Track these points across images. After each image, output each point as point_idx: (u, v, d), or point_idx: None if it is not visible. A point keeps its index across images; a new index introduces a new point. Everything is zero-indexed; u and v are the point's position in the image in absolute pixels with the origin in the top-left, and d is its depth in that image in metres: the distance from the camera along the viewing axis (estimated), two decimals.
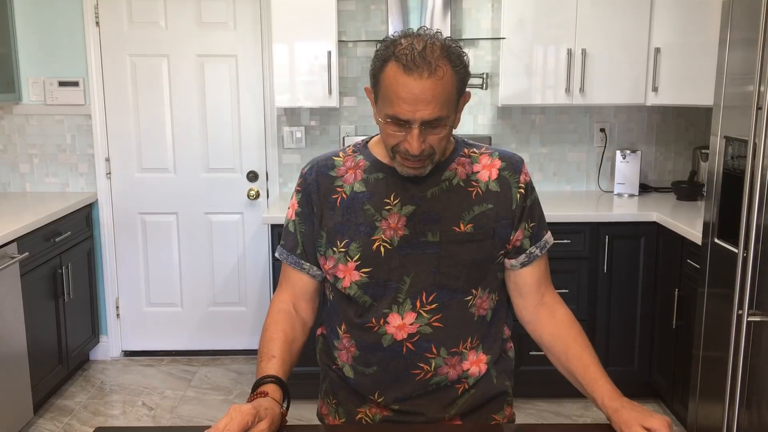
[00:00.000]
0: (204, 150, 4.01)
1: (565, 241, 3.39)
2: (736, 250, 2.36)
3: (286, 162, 4.03)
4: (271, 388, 1.37)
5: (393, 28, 3.75)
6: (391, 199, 1.48)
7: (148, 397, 3.69)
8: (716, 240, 2.58)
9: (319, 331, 1.67)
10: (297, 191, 1.56)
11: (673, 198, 3.79)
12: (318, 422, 1.68)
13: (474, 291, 1.50)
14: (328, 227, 1.50)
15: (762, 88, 2.24)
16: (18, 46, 3.86)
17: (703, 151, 3.78)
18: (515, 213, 1.50)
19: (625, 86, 3.59)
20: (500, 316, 1.59)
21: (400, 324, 1.48)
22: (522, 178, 1.52)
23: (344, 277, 1.50)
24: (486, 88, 3.90)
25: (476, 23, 3.87)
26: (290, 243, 1.56)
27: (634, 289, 3.49)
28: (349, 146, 1.59)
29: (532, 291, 1.56)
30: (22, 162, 4.00)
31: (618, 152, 3.88)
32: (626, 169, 3.86)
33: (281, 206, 3.68)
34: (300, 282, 1.57)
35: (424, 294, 1.47)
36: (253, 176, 4.04)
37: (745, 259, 2.31)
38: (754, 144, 2.26)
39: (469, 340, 1.52)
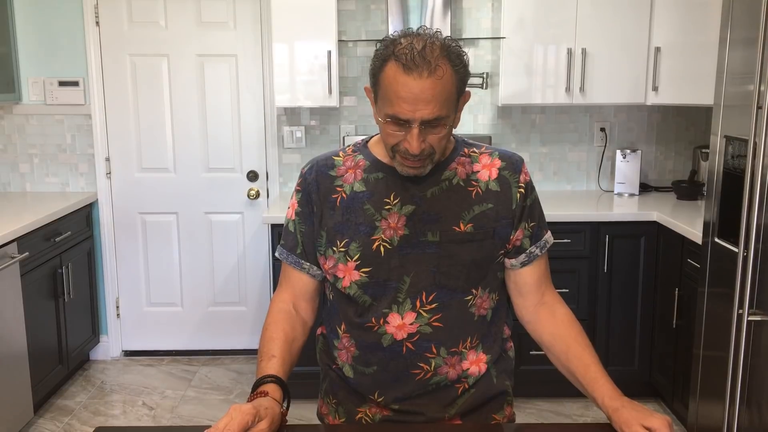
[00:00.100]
0: (204, 150, 4.01)
1: (565, 240, 3.39)
2: (736, 250, 2.36)
3: (286, 162, 4.03)
4: (272, 388, 1.37)
5: (393, 28, 3.75)
6: (391, 198, 1.48)
7: (148, 396, 3.69)
8: (716, 239, 2.58)
9: (319, 331, 1.67)
10: (297, 191, 1.56)
11: (674, 197, 3.79)
12: (318, 422, 1.68)
13: (474, 291, 1.50)
14: (328, 227, 1.50)
15: (762, 88, 2.23)
16: (18, 46, 3.86)
17: (704, 150, 3.78)
18: (515, 212, 1.50)
19: (626, 86, 3.59)
20: (500, 316, 1.59)
21: (399, 324, 1.48)
22: (522, 177, 1.52)
23: (344, 277, 1.50)
24: (486, 88, 3.90)
25: (476, 23, 3.87)
26: (290, 243, 1.56)
27: (635, 288, 3.49)
28: (349, 146, 1.58)
29: (532, 291, 1.56)
30: (22, 162, 4.00)
31: (618, 152, 3.88)
32: (626, 169, 3.86)
33: (281, 206, 3.68)
34: (300, 282, 1.57)
35: (424, 294, 1.47)
36: (253, 176, 4.04)
37: (745, 259, 2.31)
38: (755, 143, 2.26)
39: (469, 340, 1.51)
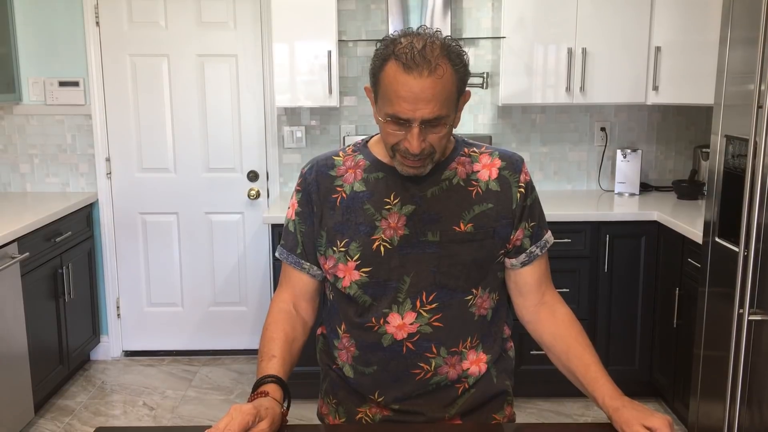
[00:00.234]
0: (204, 150, 4.01)
1: (565, 240, 3.39)
2: (736, 249, 2.36)
3: (286, 162, 4.03)
4: (272, 388, 1.37)
5: (393, 28, 3.75)
6: (391, 198, 1.48)
7: (148, 397, 3.69)
8: (717, 239, 2.58)
9: (319, 331, 1.66)
10: (297, 191, 1.56)
11: (674, 197, 3.79)
12: (318, 422, 1.68)
13: (474, 290, 1.50)
14: (328, 227, 1.50)
15: (762, 87, 2.23)
16: (18, 46, 3.86)
17: (704, 150, 3.78)
18: (515, 212, 1.50)
19: (626, 85, 3.59)
20: (500, 316, 1.58)
21: (400, 324, 1.48)
22: (522, 177, 1.52)
23: (344, 277, 1.49)
24: (486, 88, 3.90)
25: (476, 22, 3.87)
26: (290, 243, 1.56)
27: (635, 288, 3.48)
28: (349, 146, 1.58)
29: (533, 290, 1.56)
30: (23, 162, 4.01)
31: (618, 151, 3.88)
32: (627, 168, 3.86)
33: (282, 206, 3.68)
34: (300, 282, 1.57)
35: (424, 294, 1.47)
36: (253, 176, 4.04)
37: (745, 258, 2.31)
38: (755, 143, 2.26)
39: (469, 340, 1.51)
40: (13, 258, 3.07)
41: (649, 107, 3.95)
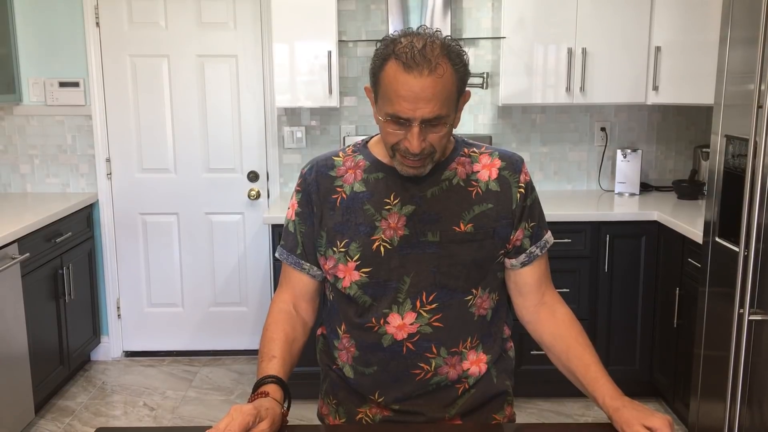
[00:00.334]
0: (204, 150, 4.01)
1: (566, 240, 3.39)
2: (737, 249, 2.35)
3: (286, 162, 4.03)
4: (272, 389, 1.37)
5: (393, 28, 3.75)
6: (391, 198, 1.48)
7: (149, 397, 3.70)
8: (717, 239, 2.58)
9: (319, 331, 1.66)
10: (297, 191, 1.56)
11: (674, 197, 3.79)
12: (318, 422, 1.68)
13: (474, 291, 1.50)
14: (328, 227, 1.50)
15: (762, 87, 2.23)
16: (18, 47, 3.86)
17: (704, 149, 3.78)
18: (515, 212, 1.50)
19: (626, 85, 3.59)
20: (500, 316, 1.58)
21: (400, 324, 1.48)
22: (522, 177, 1.52)
23: (344, 277, 1.49)
24: (486, 88, 3.90)
25: (476, 22, 3.87)
26: (290, 243, 1.56)
27: (635, 288, 3.48)
28: (348, 146, 1.58)
29: (533, 290, 1.56)
30: (23, 163, 4.01)
31: (619, 151, 3.88)
32: (627, 168, 3.86)
33: (282, 206, 3.68)
34: (300, 282, 1.57)
35: (424, 294, 1.47)
36: (253, 176, 4.04)
37: (746, 258, 2.31)
38: (755, 143, 2.26)
39: (469, 340, 1.51)
40: (14, 258, 3.07)
41: (649, 107, 3.95)
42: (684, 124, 4.01)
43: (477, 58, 3.88)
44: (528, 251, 1.53)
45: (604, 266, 3.45)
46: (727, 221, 2.51)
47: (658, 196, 3.83)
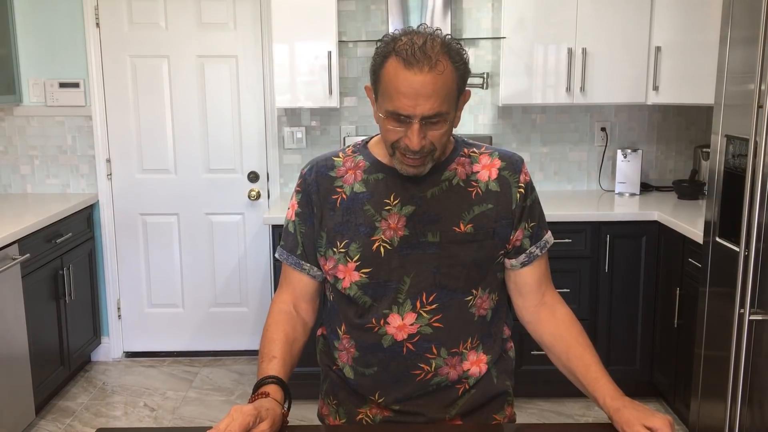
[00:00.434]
0: (205, 151, 4.01)
1: (566, 240, 3.39)
2: (737, 249, 2.35)
3: (286, 162, 4.03)
4: (273, 389, 1.37)
5: (393, 28, 3.75)
6: (391, 199, 1.48)
7: (149, 398, 3.70)
8: (717, 239, 2.58)
9: (319, 332, 1.66)
10: (297, 192, 1.56)
11: (674, 197, 3.79)
12: (319, 423, 1.68)
13: (474, 291, 1.49)
14: (328, 228, 1.50)
15: (762, 87, 2.23)
16: (18, 48, 3.86)
17: (704, 149, 3.78)
18: (515, 213, 1.50)
19: (626, 85, 3.59)
20: (500, 316, 1.58)
21: (400, 324, 1.47)
22: (522, 177, 1.52)
23: (344, 278, 1.49)
24: (486, 88, 3.90)
25: (476, 23, 3.87)
26: (290, 243, 1.56)
27: (636, 288, 3.48)
28: (348, 146, 1.58)
29: (533, 291, 1.56)
30: (23, 163, 4.01)
31: (619, 151, 3.88)
32: (627, 168, 3.86)
33: (282, 207, 3.68)
34: (300, 283, 1.57)
35: (424, 294, 1.47)
36: (253, 177, 4.04)
37: (746, 258, 2.31)
38: (755, 143, 2.26)
39: (470, 341, 1.51)
40: (14, 259, 3.07)
41: (650, 107, 3.94)
42: (684, 124, 4.01)
43: (477, 59, 3.88)
44: (528, 251, 1.53)
45: (604, 266, 3.45)
46: (728, 221, 2.51)
47: (658, 196, 3.83)
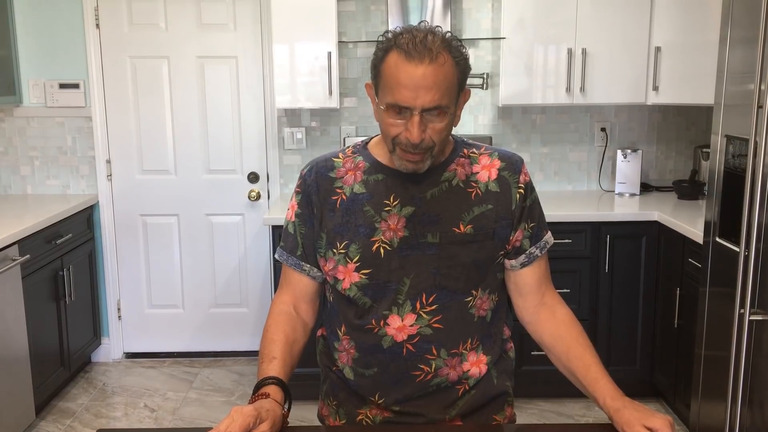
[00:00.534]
0: (205, 151, 4.01)
1: (566, 240, 3.39)
2: (737, 249, 2.35)
3: (286, 163, 4.03)
4: (273, 390, 1.37)
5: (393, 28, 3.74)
6: (391, 200, 1.48)
7: (150, 398, 3.70)
8: (717, 239, 2.58)
9: (319, 333, 1.66)
10: (296, 192, 1.56)
11: (675, 197, 3.79)
12: (319, 423, 1.68)
13: (474, 292, 1.49)
14: (328, 229, 1.50)
15: (762, 87, 2.23)
16: (18, 49, 3.86)
17: (704, 150, 3.78)
18: (515, 213, 1.50)
19: (626, 85, 3.59)
20: (500, 317, 1.58)
21: (400, 325, 1.47)
22: (522, 178, 1.52)
23: (344, 279, 1.49)
24: (486, 88, 3.90)
25: (476, 23, 3.87)
26: (290, 244, 1.56)
27: (636, 288, 3.48)
28: (348, 147, 1.58)
29: (533, 291, 1.56)
30: (23, 164, 4.01)
31: (619, 151, 3.88)
32: (627, 169, 3.86)
33: (282, 207, 3.68)
34: (300, 283, 1.57)
35: (424, 295, 1.46)
36: (253, 177, 4.04)
37: (746, 258, 2.31)
38: (755, 143, 2.26)
39: (469, 341, 1.51)
40: (14, 260, 3.07)
41: (650, 107, 3.94)
42: (684, 125, 4.01)
43: (477, 59, 3.88)
44: (528, 252, 1.53)
45: (604, 266, 3.45)
46: (728, 221, 2.51)
47: (658, 197, 3.83)
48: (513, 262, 1.53)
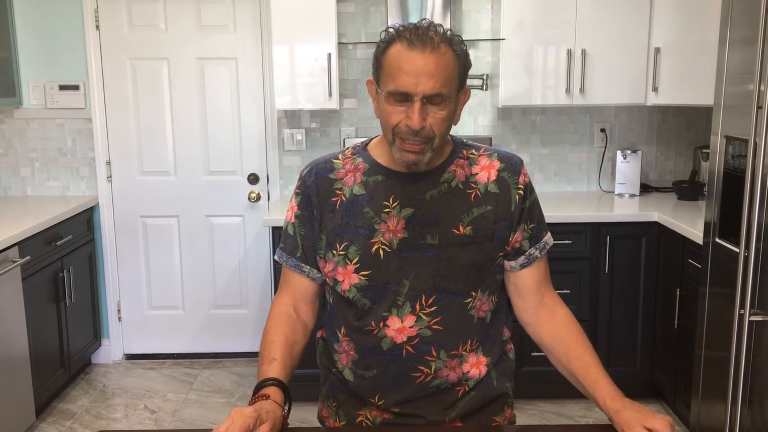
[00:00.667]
0: (204, 153, 4.01)
1: (566, 241, 3.39)
2: (737, 250, 2.35)
3: (286, 164, 4.03)
4: (273, 391, 1.37)
5: None
6: (390, 201, 1.48)
7: (150, 400, 3.69)
8: (717, 239, 2.58)
9: (319, 334, 1.66)
10: (296, 194, 1.56)
11: (674, 198, 3.79)
12: (319, 425, 1.68)
13: (473, 293, 1.49)
14: (328, 230, 1.50)
15: (762, 87, 2.23)
16: (18, 50, 3.86)
17: (704, 150, 3.78)
18: (514, 214, 1.50)
19: (625, 86, 3.59)
20: (500, 318, 1.58)
21: (399, 327, 1.47)
22: (521, 179, 1.52)
23: (343, 280, 1.49)
24: (486, 89, 3.91)
25: (476, 24, 3.87)
26: (290, 246, 1.56)
27: (636, 289, 3.48)
28: (348, 148, 1.58)
29: (532, 292, 1.55)
30: (23, 166, 4.01)
31: (618, 152, 3.88)
32: (627, 169, 3.86)
33: (282, 208, 3.68)
34: (300, 285, 1.57)
35: (424, 297, 1.46)
36: (253, 179, 4.04)
37: (746, 259, 2.31)
38: (755, 143, 2.26)
39: (469, 343, 1.51)
40: (14, 262, 3.07)
41: (649, 108, 3.95)
42: (684, 125, 4.01)
43: (477, 60, 3.87)
44: (527, 253, 1.53)
45: (604, 267, 3.45)
46: (728, 222, 2.51)
47: (658, 197, 3.83)
48: (512, 263, 1.53)
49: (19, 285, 3.12)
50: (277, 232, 3.38)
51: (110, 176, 4.03)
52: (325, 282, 1.56)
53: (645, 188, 3.96)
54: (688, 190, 3.74)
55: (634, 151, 3.86)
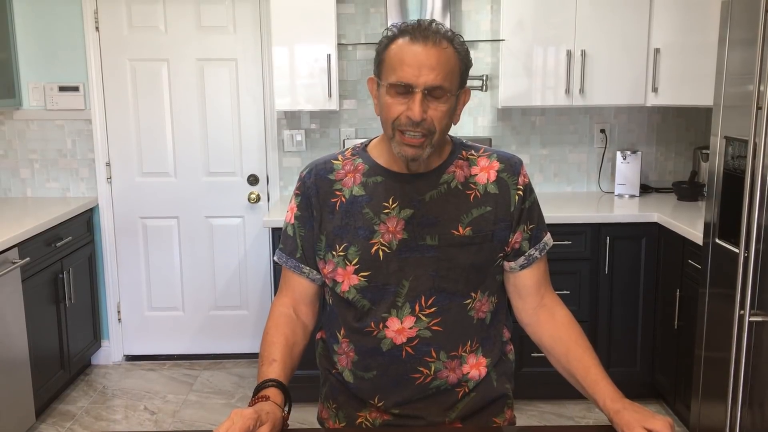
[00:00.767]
0: (204, 154, 4.01)
1: (566, 242, 3.39)
2: (737, 251, 2.35)
3: (286, 165, 4.03)
4: (273, 392, 1.36)
5: None
6: (390, 202, 1.48)
7: (150, 401, 3.69)
8: (717, 240, 2.58)
9: (318, 335, 1.66)
10: (296, 194, 1.56)
11: (674, 198, 3.79)
12: (319, 426, 1.68)
13: (473, 294, 1.49)
14: (328, 231, 1.50)
15: (762, 88, 2.23)
16: (18, 52, 3.86)
17: (704, 151, 3.78)
18: (513, 215, 1.50)
19: (625, 87, 3.59)
20: (500, 319, 1.58)
21: (399, 328, 1.47)
22: (521, 179, 1.52)
23: (343, 281, 1.49)
24: (486, 90, 3.91)
25: (476, 25, 3.87)
26: (290, 247, 1.56)
27: (636, 289, 3.48)
28: (347, 149, 1.58)
29: (532, 293, 1.55)
30: (23, 167, 4.01)
31: (618, 153, 3.88)
32: (627, 170, 3.86)
33: (282, 209, 3.68)
34: (300, 286, 1.57)
35: (423, 298, 1.46)
36: (253, 180, 4.04)
37: (746, 259, 2.31)
38: (755, 144, 2.26)
39: (469, 344, 1.51)
40: (14, 263, 3.07)
41: (649, 109, 3.95)
42: (684, 126, 4.01)
43: (476, 61, 3.87)
44: (527, 254, 1.53)
45: (604, 268, 3.45)
46: (727, 222, 2.51)
47: (658, 198, 3.83)
48: (512, 264, 1.53)
49: (19, 286, 3.12)
50: (276, 233, 3.38)
51: (110, 177, 4.03)
52: (325, 283, 1.56)
53: (645, 189, 3.96)
54: (688, 190, 3.74)
55: (634, 152, 3.86)
